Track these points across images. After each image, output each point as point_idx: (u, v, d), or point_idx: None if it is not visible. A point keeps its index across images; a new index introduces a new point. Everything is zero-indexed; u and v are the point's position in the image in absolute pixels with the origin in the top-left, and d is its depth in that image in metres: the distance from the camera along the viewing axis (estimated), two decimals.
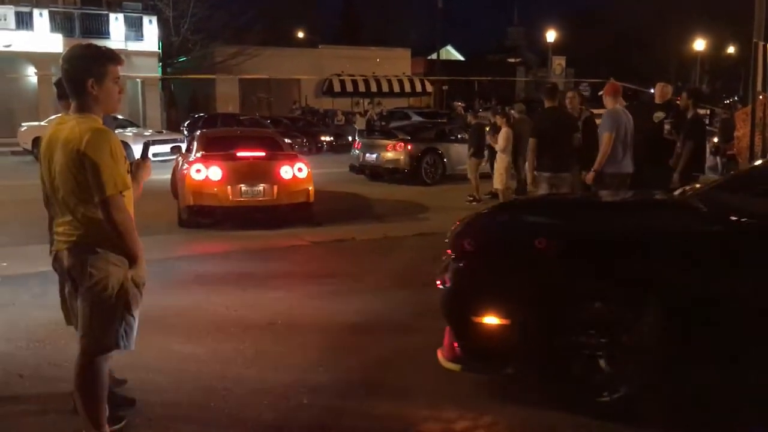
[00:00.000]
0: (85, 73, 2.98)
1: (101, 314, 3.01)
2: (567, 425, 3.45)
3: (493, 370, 3.75)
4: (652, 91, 8.41)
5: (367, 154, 15.37)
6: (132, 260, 3.03)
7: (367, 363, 4.40)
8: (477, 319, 3.63)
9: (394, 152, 14.75)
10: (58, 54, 19.76)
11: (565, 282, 3.51)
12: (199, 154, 9.48)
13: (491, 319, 3.61)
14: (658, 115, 7.75)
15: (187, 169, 9.21)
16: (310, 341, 4.82)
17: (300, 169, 9.45)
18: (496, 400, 3.76)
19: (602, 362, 3.52)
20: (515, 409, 3.63)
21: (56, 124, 3.10)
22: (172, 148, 15.62)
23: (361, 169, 15.51)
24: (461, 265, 3.75)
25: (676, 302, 3.36)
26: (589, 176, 6.83)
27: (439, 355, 3.85)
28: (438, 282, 3.92)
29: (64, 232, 3.06)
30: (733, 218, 3.62)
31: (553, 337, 3.50)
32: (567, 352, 3.51)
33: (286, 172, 9.28)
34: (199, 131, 11.88)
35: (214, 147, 9.82)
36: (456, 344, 3.77)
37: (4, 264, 6.80)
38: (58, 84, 3.60)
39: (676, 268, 3.41)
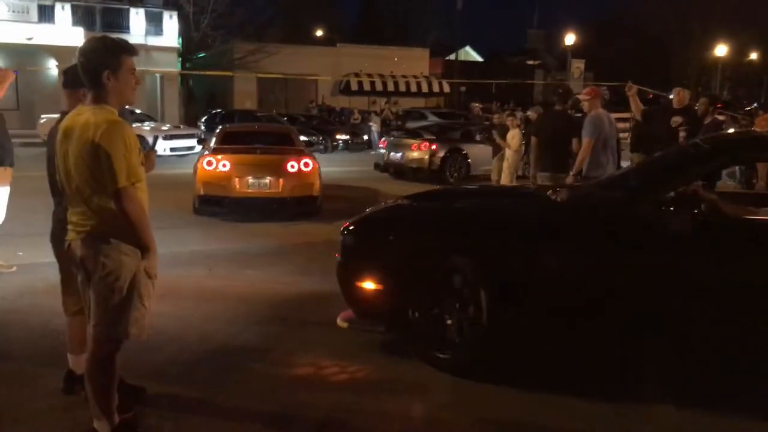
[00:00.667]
0: (101, 64, 3.00)
1: (113, 304, 3.04)
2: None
3: (371, 327, 4.45)
4: (670, 96, 8.29)
5: (392, 153, 15.58)
6: (144, 251, 3.05)
7: (379, 361, 4.41)
8: (357, 285, 4.39)
9: (418, 151, 14.92)
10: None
11: (418, 255, 4.19)
12: (212, 147, 10.13)
13: (369, 285, 4.34)
14: (676, 119, 7.70)
15: (200, 161, 9.82)
16: (322, 338, 4.83)
17: (306, 164, 9.80)
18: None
19: (447, 324, 4.12)
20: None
21: (72, 115, 3.13)
22: (199, 140, 16.09)
23: (386, 167, 15.69)
24: (348, 240, 4.52)
25: (506, 276, 3.94)
26: (569, 179, 6.87)
27: (339, 317, 4.52)
28: (336, 254, 4.59)
29: (77, 222, 3.09)
30: (565, 205, 4.23)
31: (412, 301, 4.17)
32: (421, 314, 4.17)
33: (292, 166, 9.68)
34: (221, 127, 12.49)
35: (229, 141, 10.44)
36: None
37: (20, 253, 6.88)
38: (66, 72, 3.64)
39: (506, 246, 4.02)
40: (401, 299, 4.20)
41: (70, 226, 3.14)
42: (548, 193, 4.62)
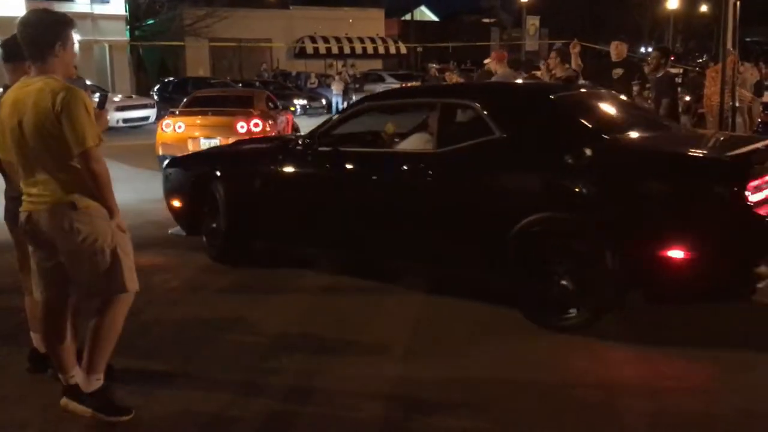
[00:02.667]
0: (53, 36, 3.04)
1: (102, 265, 3.09)
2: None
3: (180, 233, 6.21)
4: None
5: None
6: (110, 211, 3.12)
7: (341, 324, 4.46)
8: (171, 203, 6.20)
9: None
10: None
11: (198, 180, 5.93)
12: (171, 111, 11.07)
13: (177, 203, 6.13)
14: (617, 72, 8.05)
15: (159, 124, 10.91)
16: (286, 304, 4.87)
17: (256, 125, 10.47)
18: None
19: (213, 227, 5.86)
20: None
21: (18, 88, 3.11)
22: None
23: None
24: (165, 172, 6.41)
25: (244, 193, 5.66)
26: None
27: (170, 229, 6.37)
28: None
29: (39, 192, 3.08)
30: (284, 146, 5.67)
31: (197, 212, 5.95)
32: (202, 221, 5.93)
33: (241, 126, 10.36)
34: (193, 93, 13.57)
35: (192, 105, 11.37)
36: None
37: None
38: (5, 45, 3.53)
39: (238, 172, 5.82)
40: (192, 212, 5.98)
41: (27, 198, 3.13)
42: (292, 138, 6.04)
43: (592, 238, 4.00)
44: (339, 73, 25.32)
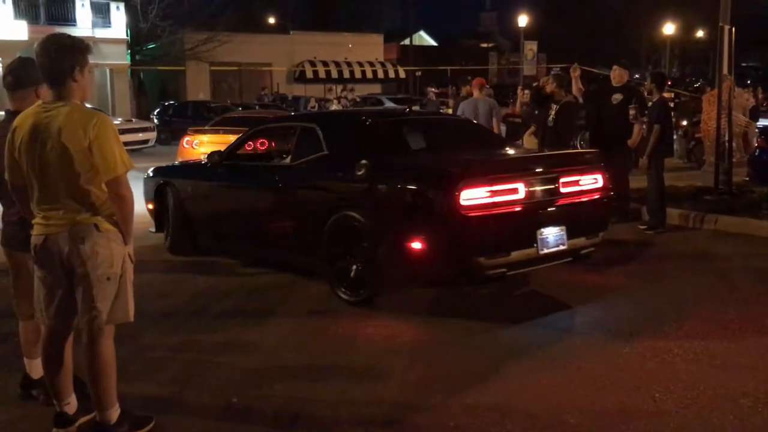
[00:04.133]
0: (74, 61, 3.09)
1: (112, 291, 3.13)
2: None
3: (154, 231, 7.28)
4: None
5: None
6: (127, 237, 3.17)
7: (336, 346, 4.45)
8: (147, 206, 7.42)
9: None
10: (23, 42, 19.02)
11: (160, 187, 7.19)
12: (199, 130, 12.52)
13: (149, 206, 7.39)
14: (616, 97, 8.08)
15: (181, 140, 12.52)
16: (281, 327, 4.86)
17: (262, 143, 11.06)
18: None
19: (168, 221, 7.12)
20: None
21: (37, 112, 3.11)
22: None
23: None
24: (144, 182, 7.51)
25: (183, 197, 6.93)
26: None
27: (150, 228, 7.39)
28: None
29: (59, 216, 3.09)
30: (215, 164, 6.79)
31: (160, 213, 7.19)
32: (163, 220, 7.16)
33: (248, 145, 10.55)
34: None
35: (216, 125, 12.90)
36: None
37: None
38: (12, 72, 3.50)
39: (180, 182, 7.07)
40: (159, 212, 7.19)
41: (44, 221, 3.12)
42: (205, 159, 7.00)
43: (368, 233, 5.08)
44: (338, 98, 25.42)
